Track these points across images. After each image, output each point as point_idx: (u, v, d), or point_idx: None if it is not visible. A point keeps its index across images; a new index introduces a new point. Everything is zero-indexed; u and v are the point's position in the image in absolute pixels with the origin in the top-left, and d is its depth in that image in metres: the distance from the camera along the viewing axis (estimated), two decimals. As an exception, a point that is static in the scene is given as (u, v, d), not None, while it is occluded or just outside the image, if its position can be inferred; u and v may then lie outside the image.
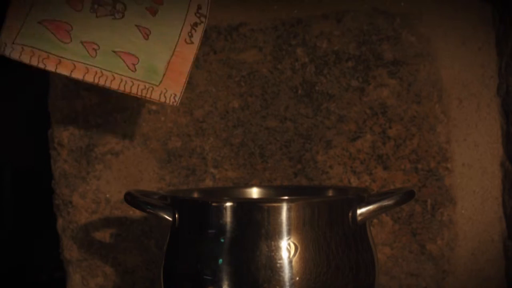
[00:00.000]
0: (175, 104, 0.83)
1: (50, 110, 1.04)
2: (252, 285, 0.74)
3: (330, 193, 0.92)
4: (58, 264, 1.05)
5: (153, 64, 0.83)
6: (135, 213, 1.02)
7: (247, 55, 1.03)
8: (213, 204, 0.77)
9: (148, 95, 0.82)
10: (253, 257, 0.75)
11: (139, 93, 0.81)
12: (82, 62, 0.80)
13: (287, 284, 0.75)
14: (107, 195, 1.03)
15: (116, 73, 0.81)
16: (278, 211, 0.75)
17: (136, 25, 0.84)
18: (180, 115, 1.03)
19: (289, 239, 0.75)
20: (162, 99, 0.83)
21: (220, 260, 0.76)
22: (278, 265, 0.75)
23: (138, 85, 0.82)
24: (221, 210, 0.76)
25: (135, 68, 0.82)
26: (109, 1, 0.83)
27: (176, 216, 0.79)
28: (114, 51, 0.82)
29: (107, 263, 1.03)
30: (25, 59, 0.79)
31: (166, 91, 0.83)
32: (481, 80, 1.03)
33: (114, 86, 0.81)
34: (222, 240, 0.76)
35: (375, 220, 1.01)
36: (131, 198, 0.80)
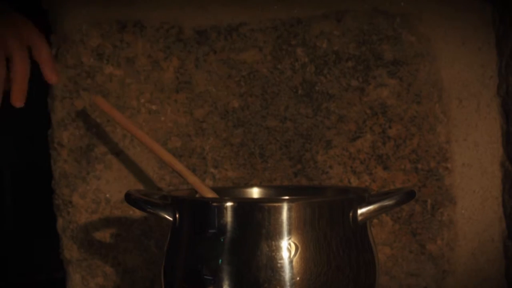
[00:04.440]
0: None
1: (50, 110, 1.04)
2: (252, 285, 0.75)
3: (330, 193, 0.92)
4: (58, 264, 1.05)
5: None
6: (135, 213, 1.02)
7: (247, 55, 1.03)
8: (214, 204, 0.77)
9: None
10: (254, 257, 0.75)
11: None
12: None
13: (288, 284, 0.75)
14: (107, 195, 1.03)
15: None
16: (278, 211, 0.75)
17: None
18: (180, 115, 1.03)
19: (289, 239, 0.75)
20: None
21: (221, 260, 0.76)
22: (278, 265, 0.75)
23: None
24: (221, 210, 0.76)
25: None
26: None
27: (177, 216, 0.79)
28: None
29: (107, 263, 1.03)
30: None
31: None
32: (481, 80, 1.03)
33: None
34: (222, 240, 0.76)
35: (375, 220, 1.01)
36: (131, 198, 0.80)
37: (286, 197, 0.80)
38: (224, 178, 1.02)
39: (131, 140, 1.02)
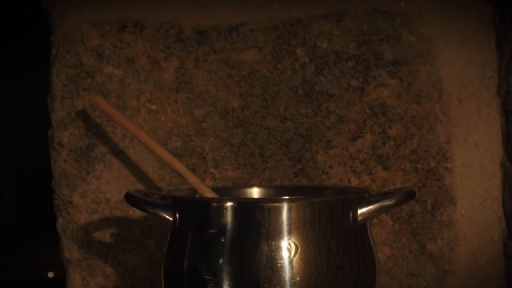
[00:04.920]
0: None
1: (50, 110, 1.04)
2: (252, 285, 0.74)
3: (331, 193, 0.92)
4: (58, 264, 1.05)
5: None
6: (135, 213, 1.02)
7: (247, 55, 1.03)
8: (214, 204, 0.77)
9: None
10: (254, 257, 0.75)
11: None
12: None
13: (288, 284, 0.75)
14: (107, 195, 1.03)
15: None
16: (279, 211, 0.75)
17: None
18: (180, 115, 1.03)
19: (289, 239, 0.75)
20: None
21: (221, 260, 0.76)
22: (278, 265, 0.75)
23: None
24: (221, 210, 0.76)
25: None
26: None
27: (177, 216, 0.79)
28: None
29: (107, 263, 1.03)
30: None
31: None
32: (481, 80, 1.03)
33: None
34: (222, 240, 0.76)
35: (375, 220, 1.01)
36: (131, 198, 0.80)
37: (286, 197, 0.80)
38: (224, 178, 1.02)
39: (131, 140, 1.02)
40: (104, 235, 1.03)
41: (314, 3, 1.03)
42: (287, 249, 0.75)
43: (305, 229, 0.76)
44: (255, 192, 0.94)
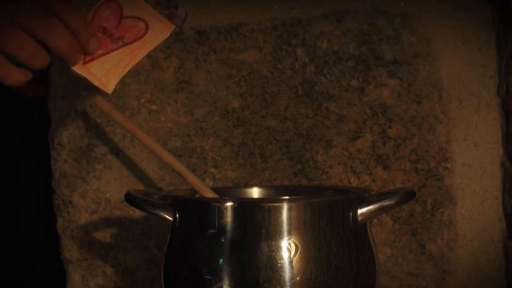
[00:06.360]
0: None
1: (50, 110, 1.04)
2: (252, 285, 0.75)
3: (331, 193, 0.92)
4: (58, 264, 1.05)
5: None
6: (135, 213, 1.02)
7: (247, 55, 1.03)
8: (214, 204, 0.77)
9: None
10: (254, 257, 0.75)
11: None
12: None
13: (288, 284, 0.75)
14: (107, 195, 1.03)
15: None
16: (279, 211, 0.75)
17: None
18: (180, 115, 1.03)
19: (289, 239, 0.75)
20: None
21: (221, 260, 0.76)
22: (278, 265, 0.75)
23: None
24: (221, 210, 0.76)
25: None
26: None
27: (177, 216, 0.79)
28: None
29: (107, 263, 1.03)
30: None
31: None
32: (481, 80, 1.03)
33: None
34: (222, 240, 0.76)
35: (375, 220, 1.01)
36: (131, 198, 0.80)
37: (286, 197, 0.80)
38: (224, 178, 1.02)
39: (131, 140, 1.02)
40: (104, 235, 1.03)
41: (314, 3, 1.03)
42: (287, 249, 0.75)
43: (305, 229, 0.76)
44: (255, 192, 0.94)
